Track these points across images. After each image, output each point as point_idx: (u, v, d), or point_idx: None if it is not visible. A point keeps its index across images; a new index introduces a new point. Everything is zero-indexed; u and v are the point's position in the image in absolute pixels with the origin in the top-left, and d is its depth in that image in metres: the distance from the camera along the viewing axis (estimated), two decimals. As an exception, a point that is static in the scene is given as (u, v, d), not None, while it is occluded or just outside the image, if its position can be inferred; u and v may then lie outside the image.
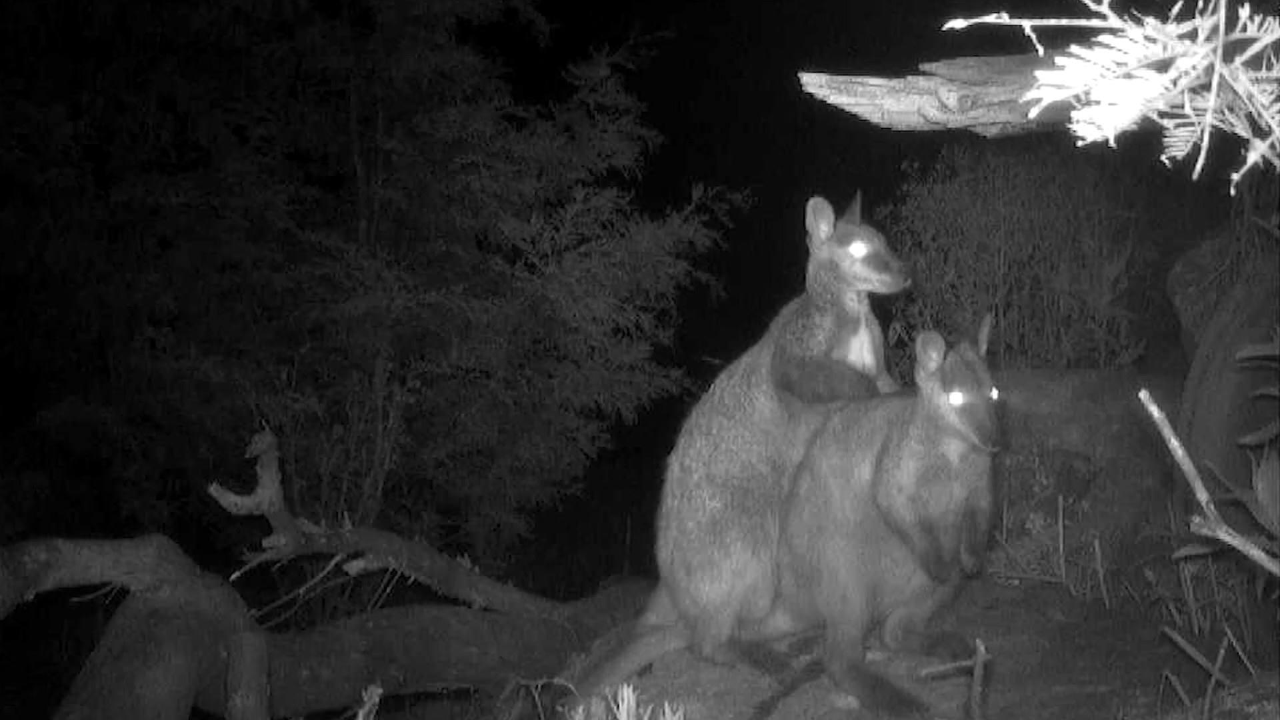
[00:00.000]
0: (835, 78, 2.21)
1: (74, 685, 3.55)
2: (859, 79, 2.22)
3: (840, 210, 3.32)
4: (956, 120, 2.22)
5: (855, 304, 3.27)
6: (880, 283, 3.22)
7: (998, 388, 2.83)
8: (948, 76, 2.18)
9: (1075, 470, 4.24)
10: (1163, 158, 1.29)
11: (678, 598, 3.35)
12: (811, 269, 3.30)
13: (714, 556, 3.24)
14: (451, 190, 7.54)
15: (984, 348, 2.89)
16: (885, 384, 3.35)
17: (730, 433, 3.31)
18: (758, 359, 3.36)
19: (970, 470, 2.90)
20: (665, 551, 3.38)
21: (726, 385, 3.39)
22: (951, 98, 2.17)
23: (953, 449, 2.85)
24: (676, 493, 3.37)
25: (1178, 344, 4.73)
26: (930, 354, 2.83)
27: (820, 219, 3.27)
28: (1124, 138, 1.28)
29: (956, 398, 2.77)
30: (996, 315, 5.24)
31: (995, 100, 2.20)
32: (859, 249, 3.22)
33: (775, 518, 3.23)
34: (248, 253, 7.62)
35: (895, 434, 2.92)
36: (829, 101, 2.22)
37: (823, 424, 3.17)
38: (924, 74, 2.20)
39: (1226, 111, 1.26)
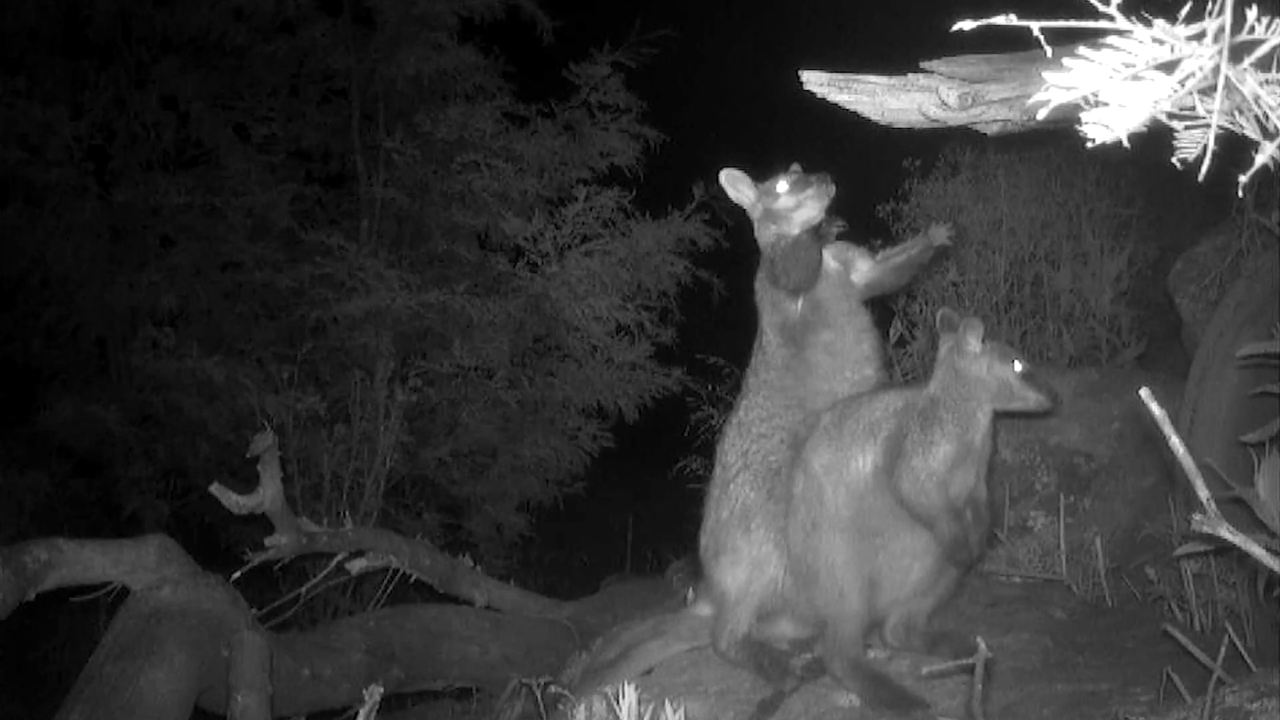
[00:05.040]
0: (835, 75, 2.21)
1: (75, 685, 3.55)
2: (859, 77, 2.21)
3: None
4: (957, 118, 2.22)
5: (802, 227, 3.31)
6: (803, 200, 3.26)
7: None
8: (948, 74, 2.18)
9: (1076, 468, 4.23)
10: (1174, 160, 1.29)
11: (709, 586, 3.38)
12: (760, 232, 3.37)
13: (738, 543, 3.26)
14: (453, 189, 7.54)
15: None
16: (861, 271, 3.41)
17: (755, 411, 3.33)
18: (760, 330, 3.40)
19: (981, 457, 2.97)
20: (703, 539, 3.41)
21: (747, 372, 3.42)
22: (952, 95, 2.17)
23: (980, 430, 2.93)
24: (718, 484, 3.40)
25: (1179, 342, 4.73)
26: (971, 338, 2.91)
27: (740, 185, 3.37)
28: (1127, 136, 1.28)
29: (1018, 366, 2.90)
30: (998, 313, 5.25)
31: (996, 98, 2.20)
32: (781, 186, 3.29)
33: None
34: (249, 252, 7.62)
35: (915, 423, 2.94)
36: (829, 99, 2.22)
37: (815, 422, 3.17)
38: (924, 72, 2.20)
39: (1236, 113, 1.26)
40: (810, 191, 3.26)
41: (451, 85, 7.75)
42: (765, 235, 3.36)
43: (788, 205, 3.27)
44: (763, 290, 3.39)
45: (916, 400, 2.97)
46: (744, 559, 3.25)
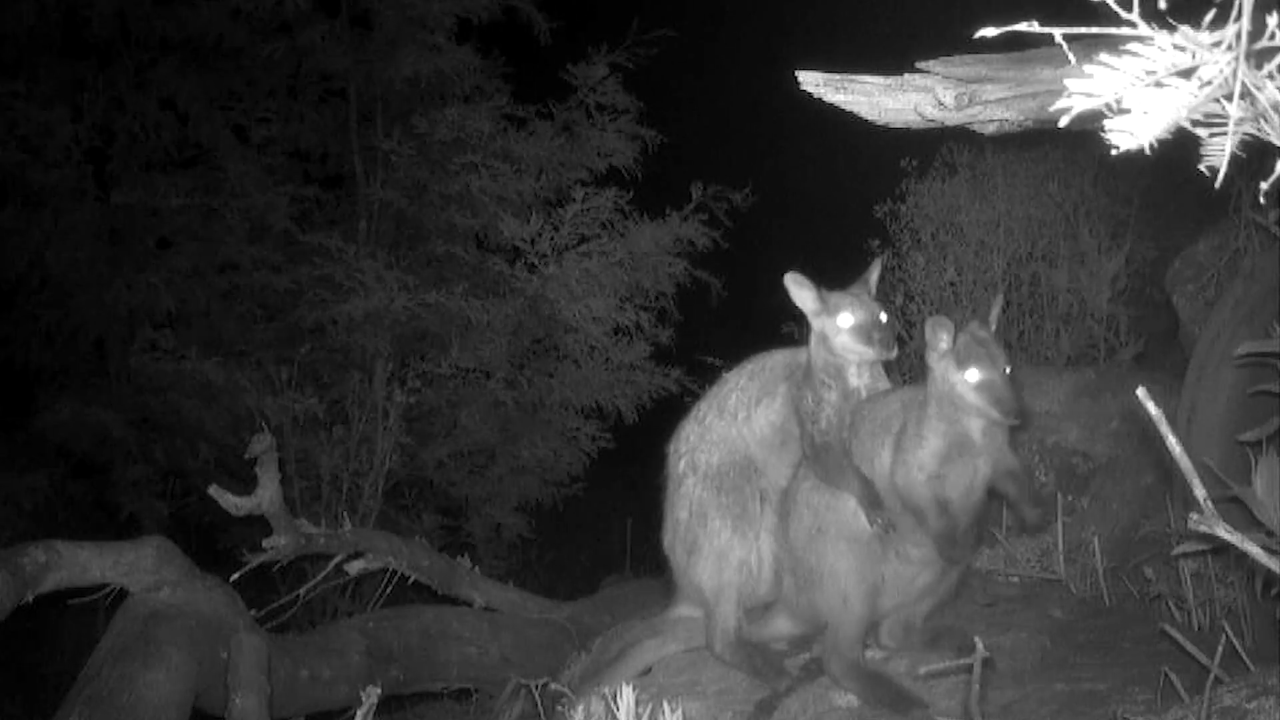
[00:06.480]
0: (832, 76, 2.21)
1: (74, 687, 3.55)
2: (856, 77, 2.21)
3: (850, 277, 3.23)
4: (953, 118, 2.22)
5: (857, 379, 3.15)
6: (864, 354, 3.09)
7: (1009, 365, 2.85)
8: (944, 74, 2.17)
9: (1074, 467, 4.24)
10: (1201, 167, 1.28)
11: (689, 589, 3.40)
12: (812, 341, 3.20)
13: (699, 540, 3.30)
14: (451, 190, 7.54)
15: (994, 325, 2.92)
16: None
17: (720, 431, 3.34)
18: (773, 387, 3.31)
19: (992, 444, 2.92)
20: (667, 538, 3.44)
21: (736, 388, 3.39)
22: (948, 95, 2.17)
23: (974, 425, 2.87)
24: (672, 479, 3.42)
25: (1176, 341, 4.73)
26: (940, 336, 2.85)
27: (802, 292, 3.14)
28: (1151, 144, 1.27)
29: (972, 375, 2.79)
30: (1006, 300, 5.26)
31: (992, 98, 2.20)
32: (845, 320, 3.08)
33: (757, 502, 3.26)
34: (248, 254, 7.62)
35: (912, 416, 2.93)
36: (826, 99, 2.21)
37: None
38: (921, 72, 2.19)
39: (1261, 120, 1.25)
40: (871, 350, 3.08)
41: (449, 86, 7.74)
42: (815, 348, 3.19)
43: (845, 345, 3.10)
44: (796, 395, 3.24)
45: (917, 396, 2.97)
46: (707, 553, 3.28)
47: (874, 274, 3.23)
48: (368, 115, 7.84)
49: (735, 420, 3.33)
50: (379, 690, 3.24)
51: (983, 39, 1.33)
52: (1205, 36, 1.17)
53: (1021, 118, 2.25)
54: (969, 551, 3.05)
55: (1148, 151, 1.26)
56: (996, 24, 1.29)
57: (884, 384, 3.21)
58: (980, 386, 2.79)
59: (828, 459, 3.09)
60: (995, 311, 2.97)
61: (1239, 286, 3.69)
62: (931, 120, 2.22)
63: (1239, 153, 1.23)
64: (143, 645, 3.64)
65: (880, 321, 3.09)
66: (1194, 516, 1.88)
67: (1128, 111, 1.23)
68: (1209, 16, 1.17)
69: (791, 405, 3.25)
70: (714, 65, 10.76)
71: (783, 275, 3.17)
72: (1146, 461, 4.10)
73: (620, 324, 7.51)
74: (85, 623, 5.92)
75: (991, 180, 5.55)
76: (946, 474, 2.89)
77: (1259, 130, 1.26)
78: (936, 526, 2.90)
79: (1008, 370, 2.82)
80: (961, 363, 2.80)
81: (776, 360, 3.38)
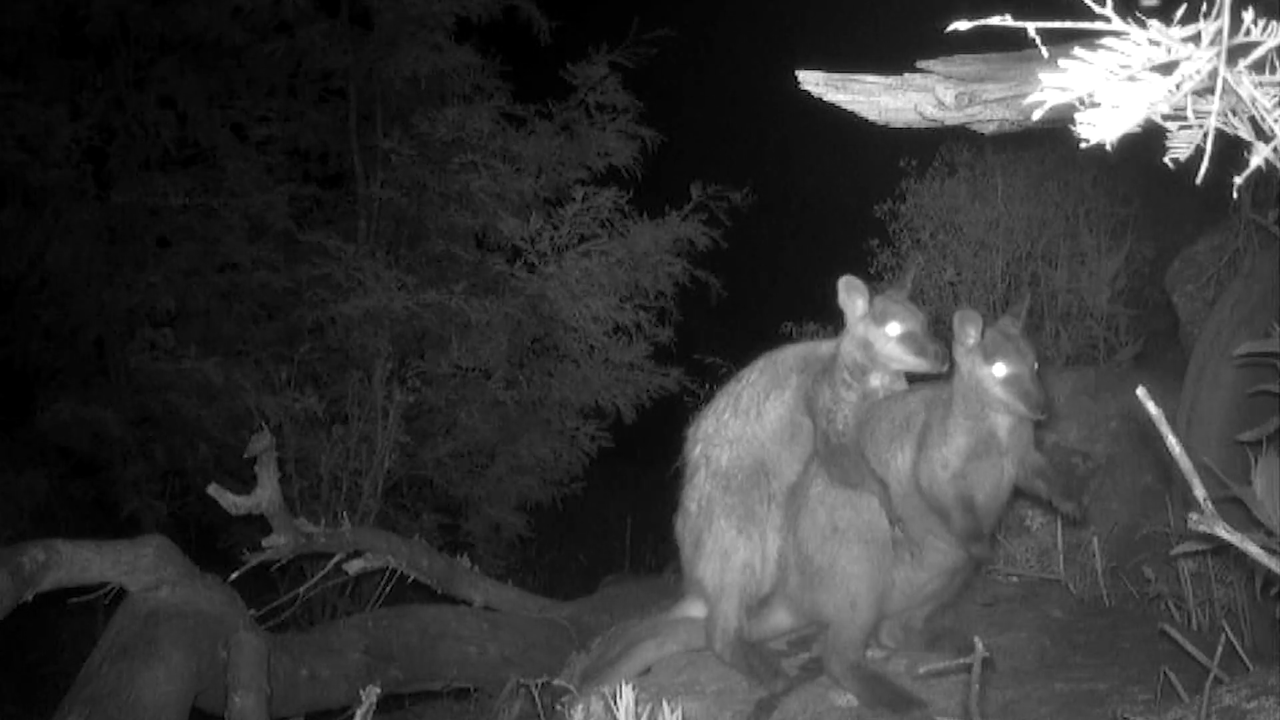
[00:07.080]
0: (832, 75, 2.21)
1: (73, 685, 3.56)
2: (856, 76, 2.21)
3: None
4: (953, 117, 2.21)
5: (878, 380, 3.14)
6: (915, 365, 3.08)
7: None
8: (944, 74, 2.17)
9: (1074, 467, 4.24)
10: (1166, 159, 1.29)
11: (693, 584, 3.39)
12: (846, 343, 3.17)
13: (704, 537, 3.29)
14: (450, 189, 7.55)
15: (1021, 323, 2.91)
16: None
17: (734, 429, 3.33)
18: (783, 380, 3.31)
19: (1019, 443, 2.90)
20: (678, 526, 3.44)
21: (748, 384, 3.39)
22: (948, 95, 2.17)
23: (1001, 423, 2.85)
24: (688, 466, 3.43)
25: (1176, 341, 4.73)
26: (968, 330, 2.84)
27: (856, 298, 3.12)
28: (1124, 136, 1.28)
29: (1000, 369, 2.78)
30: (995, 312, 5.25)
31: (992, 98, 2.20)
32: (894, 328, 3.06)
33: (765, 503, 3.25)
34: (247, 253, 7.63)
35: (937, 413, 2.91)
36: (826, 99, 2.21)
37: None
38: (921, 71, 2.19)
39: (1230, 115, 1.26)
40: (925, 363, 3.05)
41: (449, 85, 7.74)
42: (849, 349, 3.16)
43: (892, 354, 3.08)
44: (812, 389, 3.24)
45: (942, 393, 2.96)
46: (711, 550, 3.27)
47: (909, 276, 3.23)
48: (367, 114, 7.84)
49: (748, 418, 3.33)
50: (378, 690, 3.24)
51: (984, 39, 1.33)
52: (1178, 31, 1.17)
53: (1021, 117, 2.25)
54: (991, 550, 3.04)
55: (1108, 147, 1.27)
56: (995, 24, 1.29)
57: (901, 385, 3.20)
58: (1007, 381, 2.78)
59: (844, 459, 3.08)
60: (1024, 308, 2.97)
61: (1239, 286, 3.70)
62: (932, 120, 2.22)
63: (1214, 149, 1.24)
64: (142, 644, 3.64)
65: (930, 333, 3.08)
66: (1194, 516, 1.88)
67: (1098, 105, 1.23)
68: (1180, 11, 1.18)
69: (802, 397, 3.25)
70: (714, 65, 10.76)
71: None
72: (1146, 461, 4.10)
73: (620, 324, 7.52)
74: (85, 622, 5.93)
75: (991, 180, 5.55)
76: (971, 472, 2.87)
77: (1225, 123, 1.27)
78: (961, 525, 2.88)
79: (1035, 366, 2.81)
80: (989, 357, 2.80)
81: (788, 354, 3.38)
